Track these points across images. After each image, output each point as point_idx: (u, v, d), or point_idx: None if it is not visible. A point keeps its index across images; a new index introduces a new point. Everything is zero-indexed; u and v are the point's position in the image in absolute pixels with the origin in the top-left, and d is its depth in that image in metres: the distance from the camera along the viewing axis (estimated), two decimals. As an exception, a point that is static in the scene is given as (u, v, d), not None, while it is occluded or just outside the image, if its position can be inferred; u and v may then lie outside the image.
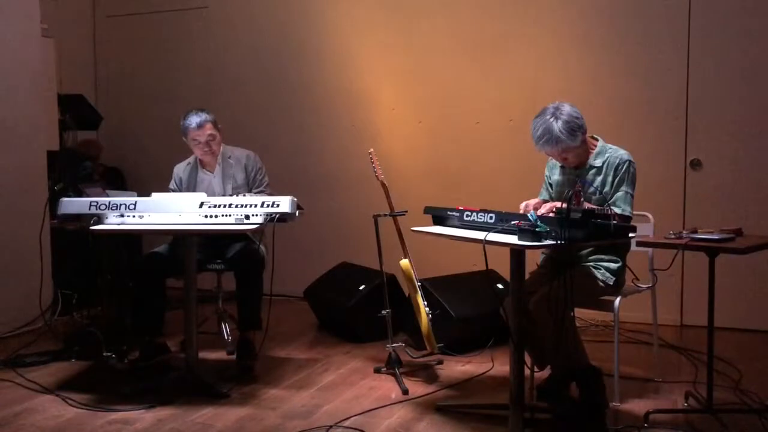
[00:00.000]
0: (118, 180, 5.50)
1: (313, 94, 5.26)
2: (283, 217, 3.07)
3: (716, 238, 2.70)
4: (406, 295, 3.89)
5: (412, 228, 3.15)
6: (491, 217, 2.82)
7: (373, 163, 3.64)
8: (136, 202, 3.16)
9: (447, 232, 2.98)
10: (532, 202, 3.03)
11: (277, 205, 3.05)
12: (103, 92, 5.94)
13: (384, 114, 5.10)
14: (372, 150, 3.70)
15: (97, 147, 5.49)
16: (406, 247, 3.63)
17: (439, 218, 3.13)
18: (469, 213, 2.92)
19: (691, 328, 4.33)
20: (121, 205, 3.15)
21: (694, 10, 4.30)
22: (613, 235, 2.63)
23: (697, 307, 4.28)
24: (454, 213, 3.01)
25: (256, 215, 3.05)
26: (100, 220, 3.15)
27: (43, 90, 4.60)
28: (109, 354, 3.71)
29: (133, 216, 3.14)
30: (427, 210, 3.18)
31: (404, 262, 3.61)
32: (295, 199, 3.10)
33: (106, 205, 3.15)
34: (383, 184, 3.63)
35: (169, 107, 5.29)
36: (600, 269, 3.09)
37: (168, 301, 3.80)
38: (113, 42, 5.90)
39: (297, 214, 3.12)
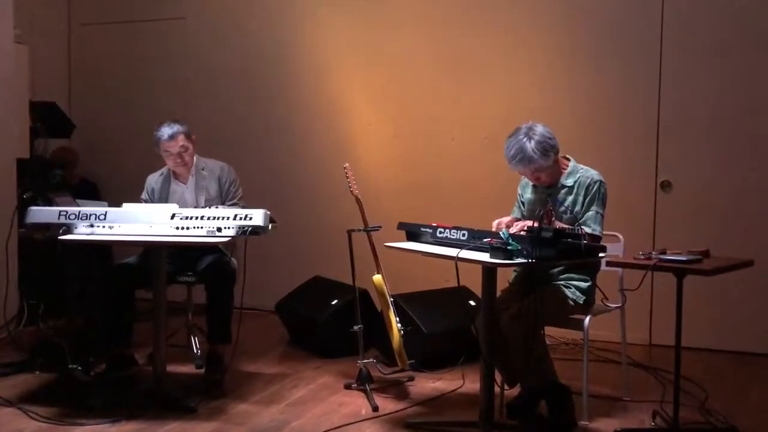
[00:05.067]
0: (91, 190, 5.42)
1: (290, 107, 5.25)
2: (256, 231, 3.05)
3: (684, 259, 2.74)
4: (379, 310, 3.88)
5: (386, 243, 3.15)
6: (464, 234, 2.85)
7: (348, 177, 3.64)
8: (106, 212, 3.12)
9: (420, 248, 2.99)
10: (505, 220, 3.05)
11: (250, 218, 3.03)
12: (76, 100, 5.87)
13: (360, 129, 5.11)
14: (347, 165, 3.70)
15: (73, 154, 5.42)
16: (380, 262, 3.62)
17: (413, 234, 3.15)
18: (443, 230, 2.94)
19: (659, 348, 4.37)
20: (91, 215, 3.11)
21: (666, 32, 4.38)
22: (583, 255, 2.67)
23: (665, 326, 4.31)
24: (427, 229, 3.03)
25: (228, 228, 3.03)
26: (69, 229, 3.11)
27: (14, 96, 4.53)
28: (74, 366, 3.63)
29: (103, 226, 3.10)
30: (401, 226, 3.20)
31: (377, 278, 3.61)
32: (269, 212, 3.09)
33: (75, 214, 3.11)
34: (357, 199, 3.62)
35: (144, 118, 5.24)
36: (570, 288, 3.11)
37: (137, 312, 3.74)
38: (88, 50, 5.84)
39: (270, 227, 3.10)
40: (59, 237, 3.08)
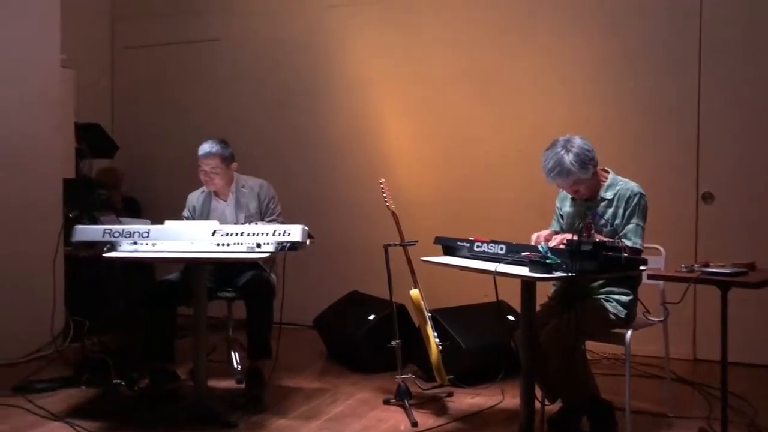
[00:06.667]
0: (134, 208, 5.54)
1: (325, 125, 5.31)
2: (294, 246, 3.07)
3: (728, 272, 2.68)
4: (416, 325, 3.87)
5: (422, 258, 3.15)
6: (502, 248, 2.82)
7: (384, 192, 3.65)
8: (149, 229, 3.18)
9: (457, 262, 2.98)
10: (544, 233, 3.03)
11: (289, 234, 3.06)
12: (119, 122, 6.02)
13: (395, 144, 5.13)
14: (383, 180, 3.72)
15: (117, 175, 5.54)
16: (417, 277, 3.62)
17: (450, 248, 3.13)
18: (480, 244, 2.93)
19: (704, 363, 4.27)
20: (134, 232, 3.17)
21: (704, 41, 4.32)
22: (624, 268, 2.63)
23: (710, 341, 4.21)
24: (464, 243, 3.01)
25: (268, 244, 3.06)
26: (113, 247, 3.17)
27: (60, 119, 4.66)
28: (118, 381, 3.70)
29: (146, 243, 3.16)
30: (438, 240, 3.19)
31: (414, 293, 3.60)
32: (307, 228, 3.12)
33: (119, 232, 3.17)
34: (394, 214, 3.63)
35: (183, 137, 5.36)
36: (611, 302, 3.07)
37: (178, 328, 3.79)
38: (130, 72, 5.99)
39: (308, 243, 3.13)
40: (104, 255, 3.15)
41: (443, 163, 4.99)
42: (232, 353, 4.05)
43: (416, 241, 3.58)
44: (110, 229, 3.19)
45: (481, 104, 4.86)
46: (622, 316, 3.06)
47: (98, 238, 3.20)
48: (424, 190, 5.02)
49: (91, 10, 5.84)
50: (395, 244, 3.58)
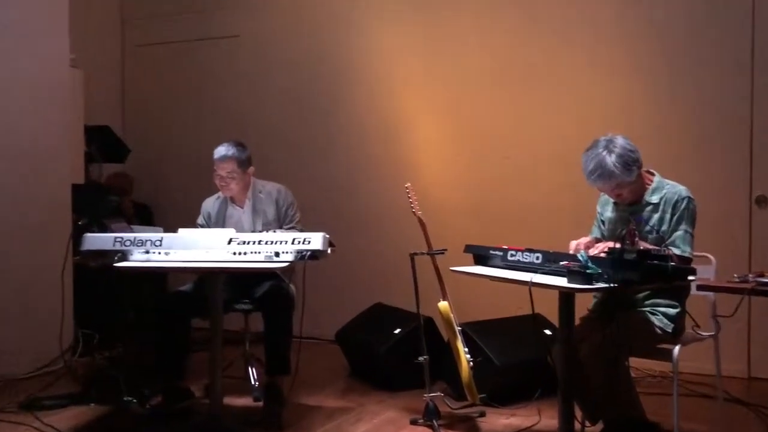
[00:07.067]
0: (145, 216, 5.60)
1: (346, 126, 5.33)
2: (315, 255, 3.08)
3: (786, 282, 2.63)
4: (445, 340, 3.86)
5: (452, 268, 3.14)
6: (538, 257, 2.81)
7: (410, 198, 3.65)
8: (162, 238, 3.21)
9: (489, 272, 2.97)
10: (584, 240, 3.00)
11: (308, 242, 3.06)
12: (130, 124, 6.10)
13: (420, 147, 5.13)
14: (409, 184, 3.71)
15: (128, 181, 5.61)
16: (445, 288, 3.60)
17: (481, 257, 3.12)
18: (514, 252, 2.91)
19: (759, 381, 4.20)
20: (146, 241, 3.19)
21: (757, 33, 4.26)
22: (671, 278, 2.60)
23: (766, 357, 4.15)
24: (497, 252, 3.00)
25: (287, 252, 3.06)
26: (124, 256, 3.20)
27: (69, 122, 4.73)
28: (129, 398, 3.73)
29: (159, 252, 3.18)
30: (468, 248, 3.18)
31: (443, 305, 3.59)
32: (327, 235, 3.12)
33: (131, 241, 3.20)
34: (420, 221, 3.63)
35: (199, 140, 5.41)
36: (657, 315, 3.03)
37: (192, 342, 3.82)
38: (142, 72, 6.07)
39: (329, 251, 3.13)
40: (114, 264, 3.18)
41: (474, 165, 4.97)
42: (249, 369, 4.07)
43: (445, 250, 3.56)
44: (121, 238, 3.22)
45: (513, 103, 4.84)
46: (669, 331, 3.02)
47: (108, 246, 3.23)
48: (453, 194, 5.00)
49: (101, 6, 5.95)
50: (422, 253, 3.58)
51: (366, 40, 5.27)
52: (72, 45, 4.77)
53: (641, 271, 2.54)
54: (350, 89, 5.32)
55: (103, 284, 4.30)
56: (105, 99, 5.88)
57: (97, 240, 3.30)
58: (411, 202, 3.64)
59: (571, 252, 2.89)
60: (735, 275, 2.74)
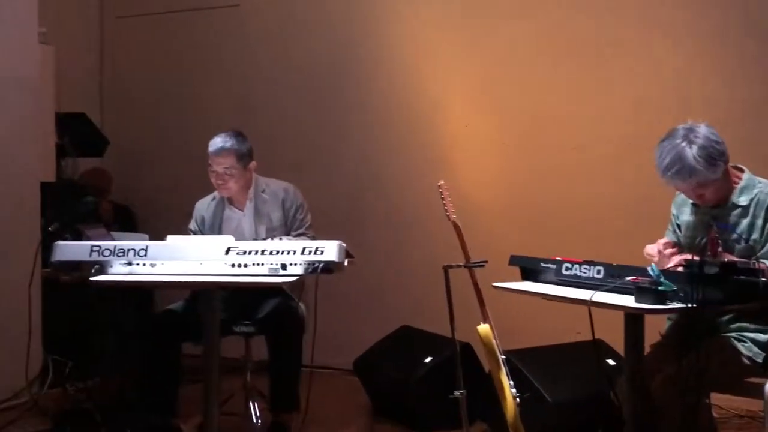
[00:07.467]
0: (127, 220, 5.65)
1: (366, 114, 5.34)
2: (329, 267, 3.08)
3: None
4: (486, 371, 3.85)
5: (494, 284, 3.13)
6: (599, 271, 2.81)
7: (443, 198, 3.64)
8: (147, 246, 3.23)
9: (540, 289, 2.97)
10: (661, 242, 3.00)
11: (321, 252, 3.07)
12: (110, 110, 6.16)
13: (457, 138, 5.13)
14: (442, 182, 3.71)
15: (107, 178, 5.67)
16: (486, 308, 3.60)
17: (530, 271, 3.12)
18: (570, 265, 2.91)
19: None
20: (129, 250, 3.22)
21: None
22: (762, 297, 2.57)
23: None
24: (549, 265, 3.00)
25: (295, 264, 3.08)
26: (103, 269, 3.23)
27: (37, 108, 4.77)
28: (108, 438, 3.78)
29: (144, 264, 3.21)
30: (514, 260, 3.17)
31: (483, 329, 3.58)
32: (344, 244, 3.13)
33: (110, 250, 3.23)
34: (456, 226, 3.62)
35: (190, 130, 5.45)
36: (745, 342, 3.01)
37: (184, 371, 3.85)
38: (124, 48, 6.13)
39: (345, 263, 3.13)
40: (91, 278, 3.21)
41: (518, 161, 4.96)
42: (251, 404, 4.08)
43: (486, 262, 3.56)
44: (99, 247, 3.25)
45: (566, 84, 4.82)
46: (760, 361, 3.00)
47: (84, 257, 3.25)
48: (494, 194, 5.00)
49: (76, -29, 6.01)
50: (458, 266, 3.57)
51: (390, 13, 5.28)
52: (41, 16, 4.81)
53: (725, 288, 2.53)
54: (372, 64, 5.34)
55: (77, 302, 4.34)
56: (80, 81, 5.94)
57: (70, 249, 3.33)
58: (445, 204, 3.64)
59: (646, 255, 2.86)
60: (842, 294, 2.71)
